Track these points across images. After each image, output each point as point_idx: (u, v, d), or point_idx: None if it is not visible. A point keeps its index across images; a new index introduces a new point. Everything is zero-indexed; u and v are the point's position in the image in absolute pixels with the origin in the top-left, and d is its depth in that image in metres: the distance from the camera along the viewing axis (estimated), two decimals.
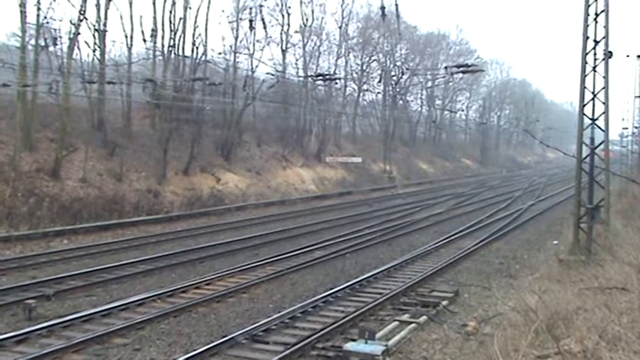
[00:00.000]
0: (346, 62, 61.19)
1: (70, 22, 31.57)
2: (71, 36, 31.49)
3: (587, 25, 18.00)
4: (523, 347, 7.76)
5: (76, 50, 32.76)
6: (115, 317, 13.17)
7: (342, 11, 57.89)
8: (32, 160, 28.03)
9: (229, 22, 44.22)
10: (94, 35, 34.21)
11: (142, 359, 10.92)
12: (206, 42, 39.94)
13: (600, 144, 18.32)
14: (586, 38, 18.00)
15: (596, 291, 10.35)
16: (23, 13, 28.84)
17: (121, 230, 26.03)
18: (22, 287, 15.46)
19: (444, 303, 14.52)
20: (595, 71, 18.10)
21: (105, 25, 34.25)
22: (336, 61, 58.90)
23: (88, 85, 32.45)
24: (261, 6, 44.12)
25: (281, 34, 50.35)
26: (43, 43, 30.26)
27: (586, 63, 18.08)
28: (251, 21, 41.56)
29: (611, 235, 17.94)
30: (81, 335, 11.70)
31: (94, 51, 34.59)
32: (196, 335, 12.27)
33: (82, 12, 31.54)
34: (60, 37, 31.08)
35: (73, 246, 22.24)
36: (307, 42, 54.08)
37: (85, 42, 34.43)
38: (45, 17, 29.78)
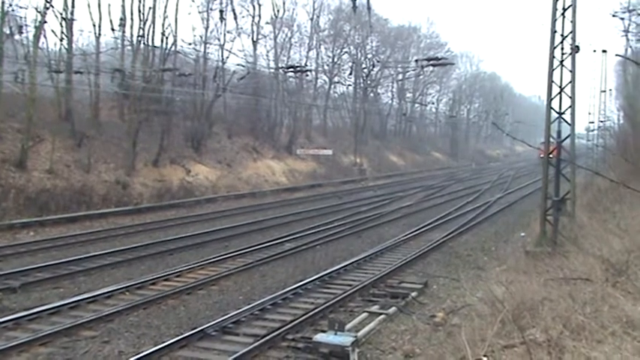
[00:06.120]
0: (317, 54, 61.37)
1: (36, 9, 30.94)
2: (37, 24, 30.81)
3: (555, 20, 18.29)
4: (490, 337, 7.87)
5: (42, 39, 32.12)
6: (83, 310, 13.04)
7: (314, 3, 58.10)
8: None
9: (199, 13, 43.93)
10: (61, 24, 33.61)
11: (111, 352, 10.82)
12: (176, 32, 39.77)
13: (567, 137, 18.62)
14: (554, 33, 18.29)
15: (561, 282, 10.51)
16: None
17: (89, 222, 25.74)
18: None
19: (413, 294, 14.67)
20: (562, 65, 18.42)
21: (72, 13, 33.64)
22: (307, 53, 59.10)
23: (55, 74, 31.92)
24: None
25: (252, 25, 50.18)
26: (8, 31, 29.58)
27: (554, 57, 18.37)
28: (222, 11, 41.39)
29: (577, 227, 18.19)
30: (48, 328, 11.56)
31: (61, 40, 33.97)
32: (165, 327, 12.21)
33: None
34: (26, 25, 30.40)
35: (40, 238, 21.92)
36: (278, 33, 54.03)
37: (52, 30, 33.89)
38: (10, 5, 29.17)
